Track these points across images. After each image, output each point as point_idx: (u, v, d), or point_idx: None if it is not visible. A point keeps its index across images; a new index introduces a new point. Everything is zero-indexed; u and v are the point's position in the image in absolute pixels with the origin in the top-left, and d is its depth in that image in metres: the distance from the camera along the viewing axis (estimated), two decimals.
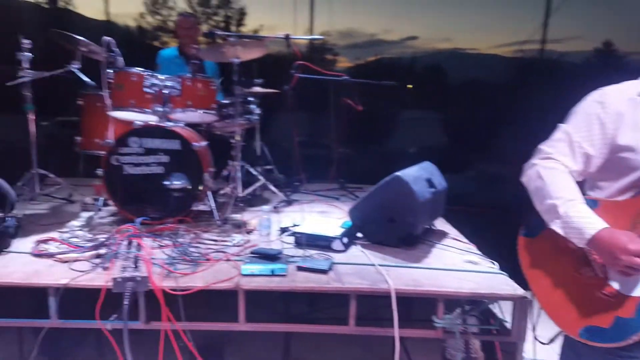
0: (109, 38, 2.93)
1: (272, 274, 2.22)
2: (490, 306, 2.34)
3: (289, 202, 3.58)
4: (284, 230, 2.83)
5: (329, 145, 4.45)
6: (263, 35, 3.51)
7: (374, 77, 3.95)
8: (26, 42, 3.21)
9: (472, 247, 2.78)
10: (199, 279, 2.21)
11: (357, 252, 2.62)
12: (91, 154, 3.36)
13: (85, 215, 3.17)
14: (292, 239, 2.70)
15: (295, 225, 2.84)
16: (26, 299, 2.74)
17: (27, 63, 3.22)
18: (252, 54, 3.27)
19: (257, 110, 3.51)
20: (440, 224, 3.22)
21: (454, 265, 2.48)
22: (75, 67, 3.24)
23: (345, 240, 2.61)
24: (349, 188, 4.01)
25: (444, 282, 2.24)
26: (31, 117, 3.37)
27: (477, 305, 2.25)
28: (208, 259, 2.43)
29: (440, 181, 2.95)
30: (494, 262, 2.49)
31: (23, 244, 2.59)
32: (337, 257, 2.49)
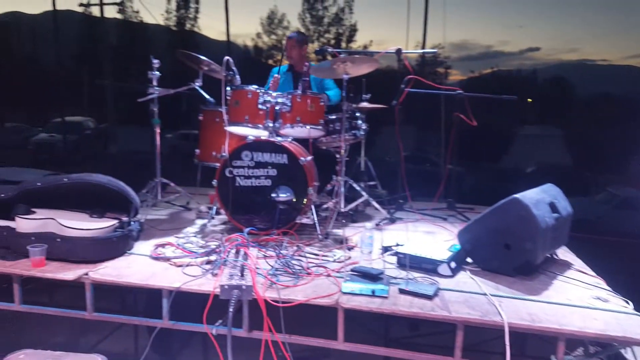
0: (228, 58, 3.11)
1: (373, 294, 2.14)
2: (622, 351, 2.03)
3: (392, 220, 3.47)
4: (386, 249, 2.74)
5: (437, 162, 4.27)
6: (375, 51, 3.48)
7: (488, 91, 3.72)
8: (156, 62, 3.53)
9: (601, 282, 2.46)
10: (299, 293, 2.22)
11: (466, 279, 2.44)
12: (208, 166, 3.58)
13: (200, 222, 3.37)
14: (394, 259, 2.60)
15: (398, 245, 2.74)
16: (144, 297, 2.97)
17: (156, 81, 3.54)
18: (362, 69, 3.26)
19: (364, 126, 3.48)
20: (563, 253, 2.91)
21: (579, 301, 2.20)
22: (197, 84, 3.50)
23: (453, 264, 2.44)
24: (458, 208, 3.78)
25: (566, 320, 1.99)
26: (157, 130, 3.69)
27: (604, 349, 1.96)
28: (309, 273, 2.43)
29: (564, 206, 2.66)
30: (628, 300, 2.17)
31: (144, 247, 2.82)
32: (443, 283, 2.34)
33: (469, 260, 2.60)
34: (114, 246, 2.64)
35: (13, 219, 2.68)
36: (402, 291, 2.18)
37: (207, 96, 3.57)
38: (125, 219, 2.76)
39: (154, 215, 3.52)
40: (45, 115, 18.60)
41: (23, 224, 2.63)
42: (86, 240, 2.55)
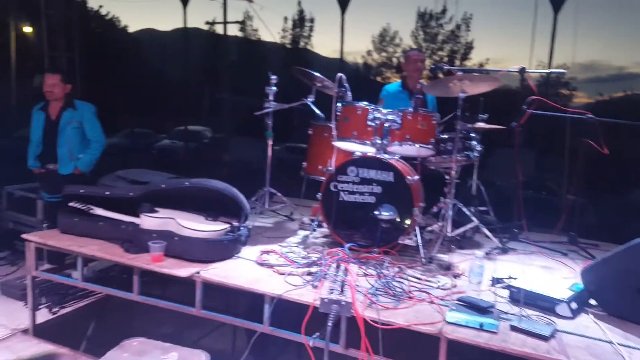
0: (341, 74, 3.16)
1: (481, 328, 1.99)
2: None
3: (505, 250, 3.23)
4: (497, 281, 2.54)
5: (555, 190, 3.91)
6: (496, 69, 3.31)
7: (620, 116, 3.35)
8: (274, 78, 3.70)
9: None
10: (400, 316, 2.14)
11: (589, 323, 2.18)
12: (313, 179, 3.64)
13: (302, 233, 3.42)
14: (506, 293, 2.41)
15: (511, 278, 2.53)
16: (244, 300, 3.06)
17: (272, 96, 3.70)
18: (480, 88, 3.11)
19: (478, 147, 3.30)
20: None
21: None
22: (310, 100, 3.59)
23: (574, 305, 2.20)
24: (581, 244, 3.41)
25: None
26: (270, 142, 3.84)
27: None
28: (411, 297, 2.34)
29: None
30: None
31: (250, 252, 2.93)
32: (561, 324, 2.12)
33: (592, 302, 2.33)
34: (224, 249, 2.77)
35: (138, 216, 2.94)
36: (514, 328, 2.00)
37: (317, 111, 3.64)
38: (236, 224, 2.90)
39: (260, 223, 3.66)
40: (169, 123, 20.43)
41: (147, 221, 2.88)
42: (200, 241, 2.71)
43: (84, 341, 3.43)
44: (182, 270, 2.60)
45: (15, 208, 4.68)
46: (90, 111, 4.02)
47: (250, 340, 3.43)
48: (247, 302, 3.20)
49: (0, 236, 4.60)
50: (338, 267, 2.57)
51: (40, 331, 3.23)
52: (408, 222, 2.96)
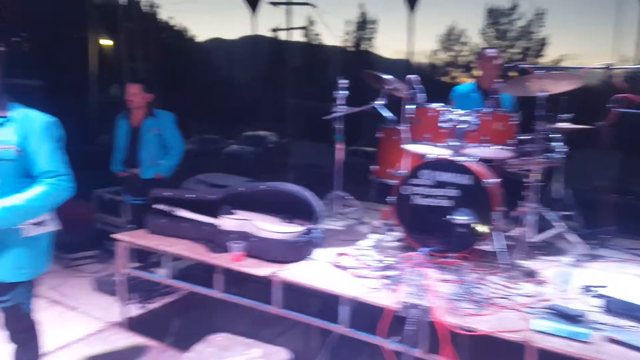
0: (413, 76, 3.14)
1: (570, 337, 1.91)
2: None
3: (593, 257, 3.06)
4: (588, 289, 2.41)
5: None
6: (578, 67, 3.15)
7: None
8: (344, 82, 3.73)
9: None
10: (483, 323, 2.09)
11: None
12: (383, 182, 3.64)
13: (374, 237, 3.43)
14: (598, 302, 2.28)
15: (602, 287, 2.40)
16: (316, 302, 3.11)
17: (342, 100, 3.74)
18: (561, 86, 2.98)
19: (562, 148, 3.15)
20: None
21: None
22: (379, 103, 3.59)
23: None
24: None
25: None
26: (339, 146, 3.88)
27: None
28: (493, 304, 2.28)
29: None
30: None
31: (323, 254, 2.98)
32: None
33: None
34: (299, 250, 2.84)
35: (218, 218, 3.08)
36: (612, 340, 1.90)
37: (387, 114, 3.64)
38: (310, 226, 2.96)
39: (330, 226, 3.70)
40: (236, 129, 21.17)
41: (226, 223, 3.01)
42: (277, 242, 2.80)
43: (168, 335, 3.64)
44: (261, 269, 2.70)
45: (104, 210, 5.04)
46: (170, 120, 4.25)
47: (324, 341, 3.50)
48: (319, 303, 3.26)
49: (91, 236, 4.96)
50: (415, 271, 2.55)
51: (130, 324, 3.47)
52: (486, 226, 2.88)
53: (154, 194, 3.35)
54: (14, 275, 2.08)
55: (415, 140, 3.11)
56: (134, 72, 7.34)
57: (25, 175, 2.08)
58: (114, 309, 3.78)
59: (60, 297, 3.90)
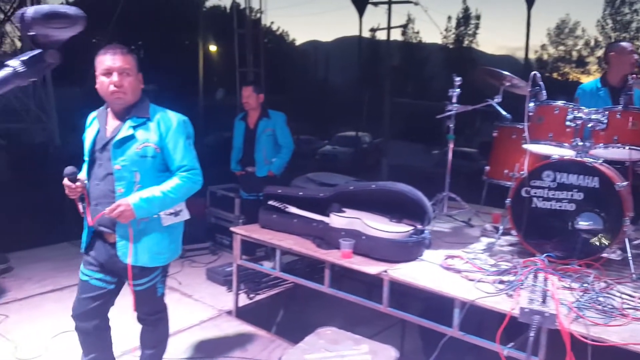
0: (535, 72, 2.98)
1: None
2: None
3: None
4: None
5: None
6: None
7: None
8: (457, 80, 3.64)
9: None
10: (613, 334, 1.95)
11: None
12: (497, 184, 3.49)
13: (485, 240, 3.31)
14: None
15: None
16: (417, 303, 3.08)
17: (455, 98, 3.66)
18: None
19: None
20: None
21: None
22: (496, 100, 3.46)
23: None
24: None
25: None
26: (451, 145, 3.80)
27: None
28: (624, 315, 2.11)
29: None
30: None
31: (432, 256, 2.93)
32: None
33: None
34: (409, 250, 2.83)
35: (328, 215, 3.16)
36: None
37: (503, 112, 3.49)
38: (419, 226, 2.93)
39: (437, 228, 3.64)
40: (330, 129, 21.50)
41: (336, 220, 3.08)
42: (386, 241, 2.81)
43: (274, 325, 3.81)
44: (371, 268, 2.73)
45: (216, 205, 5.40)
46: (282, 119, 4.46)
47: (425, 342, 3.45)
48: (423, 305, 3.22)
49: (204, 229, 5.33)
50: (536, 277, 2.43)
51: (240, 313, 3.68)
52: (614, 233, 2.66)
53: (268, 191, 3.52)
54: (153, 260, 2.28)
55: (535, 139, 2.95)
56: (244, 76, 7.78)
57: (163, 169, 2.27)
58: (224, 297, 4.04)
59: (177, 285, 4.24)
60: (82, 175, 2.30)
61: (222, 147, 6.36)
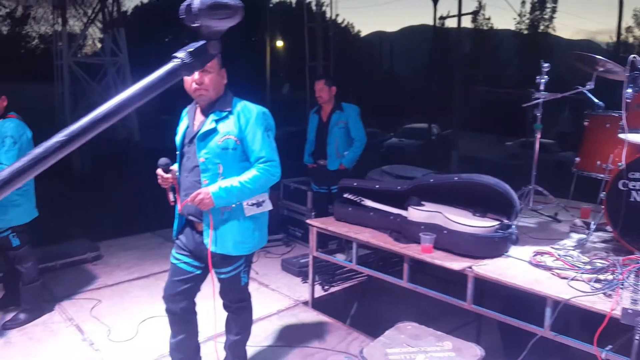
0: (634, 56, 2.74)
1: None
2: None
3: None
4: None
5: None
6: None
7: None
8: (546, 66, 3.43)
9: None
10: None
11: None
12: (587, 176, 3.27)
13: (575, 236, 3.11)
14: None
15: None
16: (495, 300, 2.95)
17: (543, 85, 3.45)
18: None
19: None
20: None
21: None
22: (588, 87, 3.23)
23: None
24: None
25: None
26: (538, 135, 3.60)
27: None
28: None
29: None
30: None
31: (518, 252, 2.80)
32: None
33: None
34: (494, 246, 2.72)
35: (406, 209, 3.11)
36: None
37: (595, 100, 3.25)
38: (506, 221, 2.81)
39: (522, 222, 3.47)
40: (396, 121, 21.14)
41: (414, 214, 3.02)
42: (470, 236, 2.71)
43: (348, 318, 3.82)
44: (454, 263, 2.65)
45: (289, 198, 5.49)
46: (355, 112, 4.44)
47: (504, 342, 3.31)
48: (505, 303, 3.09)
49: (277, 221, 5.44)
50: (638, 276, 2.25)
51: (316, 304, 3.73)
52: None
53: (343, 184, 3.52)
54: (238, 249, 2.34)
55: (634, 128, 2.72)
56: (314, 69, 7.83)
57: (244, 160, 2.31)
58: (299, 288, 4.11)
59: (254, 274, 4.36)
60: (175, 167, 2.41)
61: (290, 140, 6.45)
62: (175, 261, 2.45)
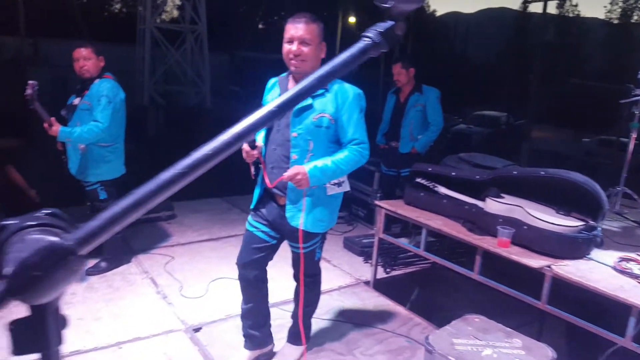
0: None
1: None
2: None
3: None
4: None
5: None
6: None
7: None
8: None
9: None
10: None
11: None
12: None
13: None
14: None
15: None
16: (565, 302, 2.83)
17: None
18: None
19: None
20: None
21: None
22: None
23: None
24: None
25: None
26: (634, 135, 3.36)
27: None
28: None
29: None
30: None
31: (601, 256, 2.65)
32: None
33: None
34: (577, 247, 2.59)
35: (483, 199, 3.01)
36: None
37: None
38: (591, 222, 2.66)
39: (606, 226, 3.27)
40: (465, 107, 20.41)
41: (493, 206, 2.92)
42: (551, 234, 2.60)
43: (408, 302, 3.81)
44: (532, 260, 2.55)
45: (354, 177, 5.47)
46: (434, 95, 4.32)
47: (577, 347, 3.18)
48: (572, 306, 2.95)
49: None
50: None
51: (377, 285, 3.74)
52: None
53: (417, 168, 3.46)
54: (316, 227, 2.38)
55: None
56: (391, 52, 7.67)
57: (334, 140, 2.32)
58: (361, 267, 4.14)
59: None
60: (260, 142, 2.41)
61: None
62: (252, 229, 2.49)
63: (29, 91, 3.05)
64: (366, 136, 2.35)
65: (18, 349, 0.51)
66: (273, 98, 2.35)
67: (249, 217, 2.52)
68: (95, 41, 3.92)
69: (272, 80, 2.49)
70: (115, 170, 3.49)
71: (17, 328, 0.50)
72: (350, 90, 2.32)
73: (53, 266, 0.46)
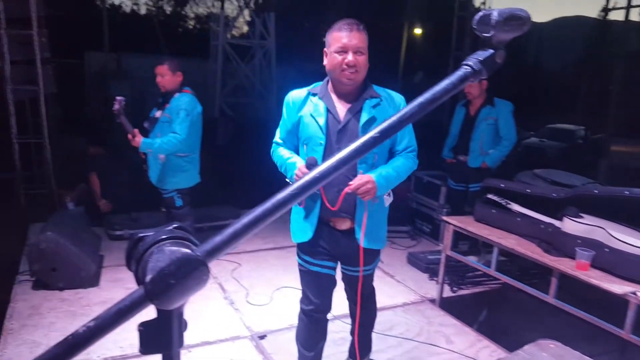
0: None
1: None
2: None
3: None
4: None
5: None
6: None
7: None
8: None
9: None
10: None
11: None
12: None
13: None
14: None
15: None
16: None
17: None
18: None
19: None
20: None
21: None
22: None
23: None
24: None
25: None
26: None
27: None
28: None
29: None
30: None
31: None
32: None
33: None
34: None
35: (560, 219, 2.87)
36: None
37: None
38: None
39: None
40: (538, 120, 19.46)
41: (571, 226, 2.77)
42: (637, 257, 2.43)
43: (475, 324, 3.68)
44: (614, 285, 2.39)
45: (421, 191, 5.40)
46: (507, 109, 4.18)
47: None
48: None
49: (405, 214, 5.39)
50: None
51: (443, 304, 3.64)
52: None
53: (489, 184, 3.36)
54: (380, 243, 2.26)
55: None
56: (458, 59, 7.54)
57: (388, 149, 2.23)
58: (426, 284, 4.04)
59: (379, 263, 4.39)
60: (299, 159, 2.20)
61: (423, 131, 6.31)
62: (318, 269, 2.26)
63: (116, 106, 3.30)
64: (416, 143, 2.26)
65: (144, 348, 0.57)
66: (312, 113, 2.16)
67: (305, 256, 2.28)
68: (171, 56, 4.16)
69: (302, 94, 2.23)
70: (191, 179, 3.66)
71: (145, 329, 0.56)
72: (398, 97, 2.23)
73: (186, 275, 0.52)
